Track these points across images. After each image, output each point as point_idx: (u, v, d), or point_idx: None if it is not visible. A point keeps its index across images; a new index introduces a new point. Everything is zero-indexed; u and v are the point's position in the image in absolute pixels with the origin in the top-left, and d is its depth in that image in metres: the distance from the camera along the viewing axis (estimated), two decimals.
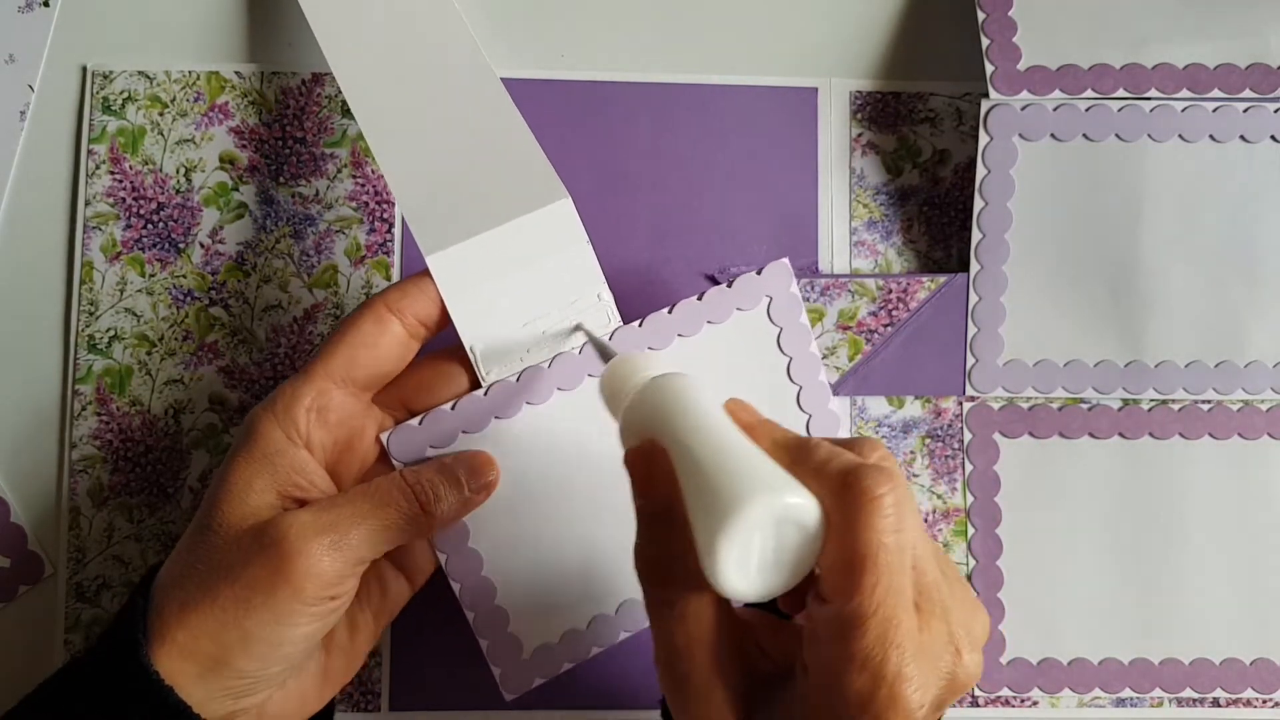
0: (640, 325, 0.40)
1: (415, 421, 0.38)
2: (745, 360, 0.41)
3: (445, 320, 0.37)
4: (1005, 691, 0.44)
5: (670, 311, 0.40)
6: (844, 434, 0.44)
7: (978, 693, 0.44)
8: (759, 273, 0.40)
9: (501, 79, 0.44)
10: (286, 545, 0.33)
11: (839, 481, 0.27)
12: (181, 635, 0.32)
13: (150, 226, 0.44)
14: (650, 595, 0.30)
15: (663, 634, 0.29)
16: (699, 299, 0.40)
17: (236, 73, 0.45)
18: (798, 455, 0.29)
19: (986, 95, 0.44)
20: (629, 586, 0.41)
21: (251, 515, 0.34)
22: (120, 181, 0.44)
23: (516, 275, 0.38)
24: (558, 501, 0.40)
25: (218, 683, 0.33)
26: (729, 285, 0.40)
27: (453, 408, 0.38)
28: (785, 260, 0.41)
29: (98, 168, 0.44)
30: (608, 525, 0.40)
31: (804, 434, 0.40)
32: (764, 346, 0.41)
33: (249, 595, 0.33)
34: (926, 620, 0.27)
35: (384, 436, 0.37)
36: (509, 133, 0.40)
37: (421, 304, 0.37)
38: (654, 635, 0.30)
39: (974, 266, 0.44)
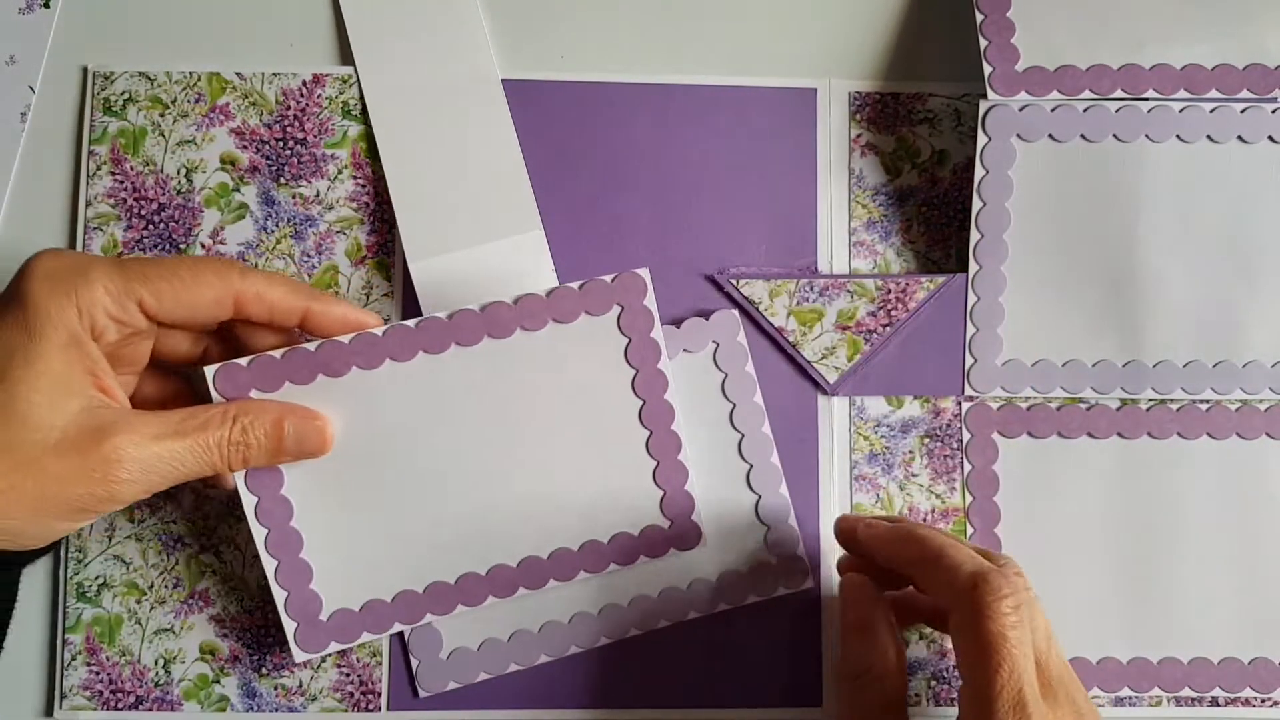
0: None
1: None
2: (688, 399, 0.43)
3: (285, 320, 0.38)
4: None
5: None
6: (785, 488, 0.44)
7: None
8: (707, 318, 0.42)
9: (503, 80, 0.45)
10: (115, 456, 0.34)
11: (969, 581, 0.34)
12: None
13: (151, 227, 0.45)
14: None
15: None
16: None
17: (237, 74, 0.45)
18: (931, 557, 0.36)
19: (985, 96, 0.44)
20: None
21: (70, 411, 0.34)
22: (121, 182, 0.45)
23: (487, 291, 0.41)
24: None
25: None
26: (678, 326, 0.43)
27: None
28: (734, 311, 0.44)
29: (99, 168, 0.44)
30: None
31: (744, 484, 0.43)
32: (708, 389, 0.43)
33: (48, 493, 0.33)
34: (1054, 704, 0.33)
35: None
36: (503, 158, 0.44)
37: (280, 294, 0.38)
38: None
39: (972, 267, 0.44)
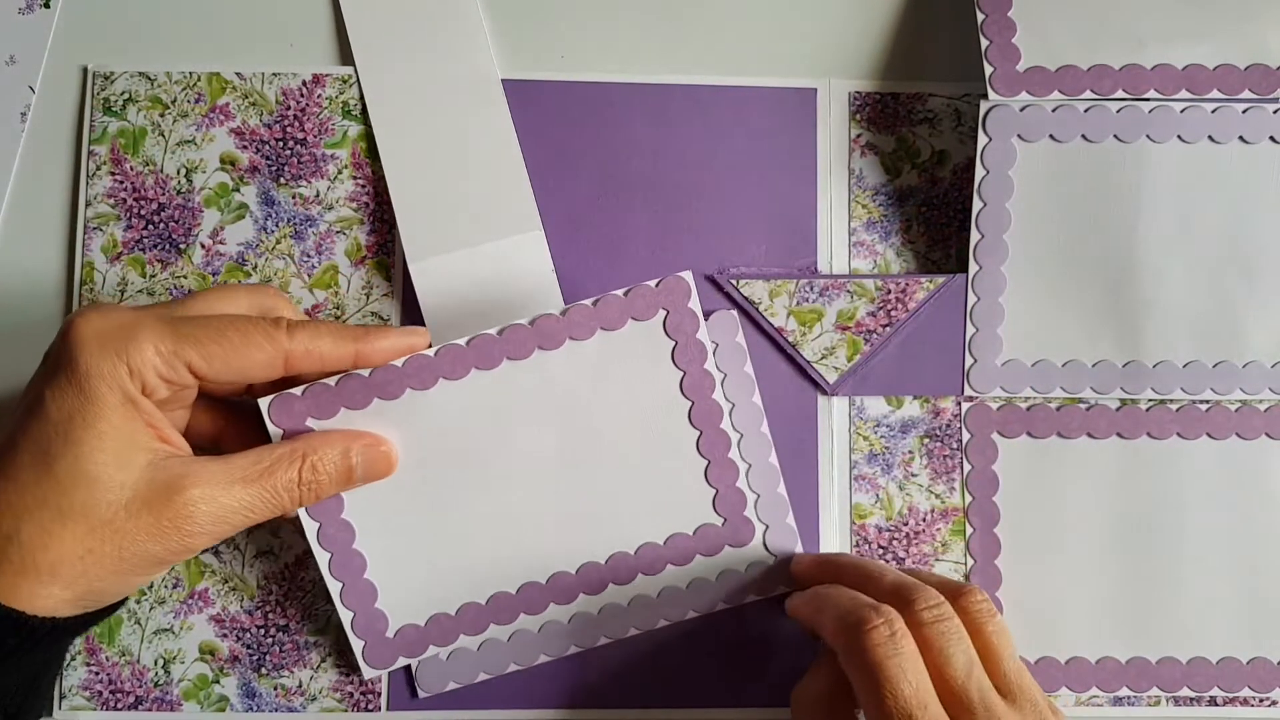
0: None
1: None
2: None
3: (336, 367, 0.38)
4: None
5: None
6: (783, 488, 0.44)
7: None
8: (707, 319, 0.42)
9: (502, 80, 0.45)
10: (187, 510, 0.34)
11: (839, 625, 0.36)
12: (49, 577, 0.33)
13: (151, 227, 0.45)
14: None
15: None
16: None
17: (237, 74, 0.45)
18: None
19: (985, 96, 0.44)
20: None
21: (138, 466, 0.34)
22: (121, 182, 0.45)
23: (486, 292, 0.42)
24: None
25: (71, 606, 0.34)
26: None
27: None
28: (733, 311, 0.44)
29: (99, 168, 0.44)
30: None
31: (744, 484, 0.42)
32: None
33: (126, 552, 0.33)
34: (1019, 705, 0.35)
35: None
36: (503, 158, 0.44)
37: (329, 345, 0.37)
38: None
39: (972, 267, 0.44)
